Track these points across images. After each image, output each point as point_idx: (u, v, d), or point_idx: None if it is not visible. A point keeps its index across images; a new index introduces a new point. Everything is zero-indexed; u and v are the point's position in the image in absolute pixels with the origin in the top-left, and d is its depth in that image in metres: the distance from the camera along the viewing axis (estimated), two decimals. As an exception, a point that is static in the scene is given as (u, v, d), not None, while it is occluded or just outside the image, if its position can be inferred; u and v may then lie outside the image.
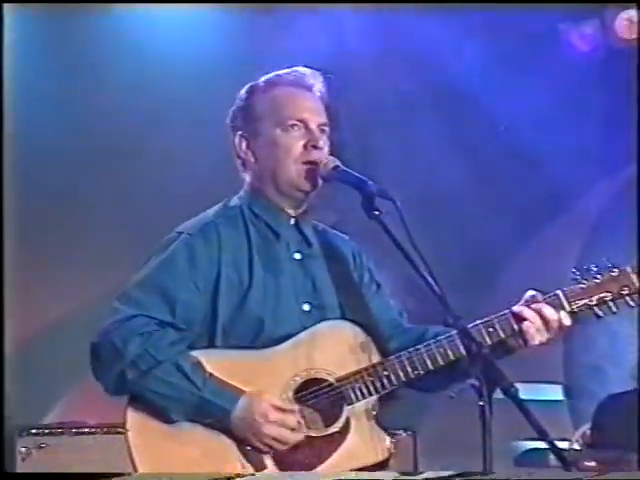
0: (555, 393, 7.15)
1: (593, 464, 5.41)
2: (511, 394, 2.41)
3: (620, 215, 6.56)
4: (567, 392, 7.18)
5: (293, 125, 2.77)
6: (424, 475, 2.40)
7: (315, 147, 2.76)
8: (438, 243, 6.47)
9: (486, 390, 2.45)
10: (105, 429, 4.92)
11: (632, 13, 6.68)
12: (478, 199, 6.66)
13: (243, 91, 2.86)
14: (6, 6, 5.18)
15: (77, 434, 5.15)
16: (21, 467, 5.08)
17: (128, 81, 6.21)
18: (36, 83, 6.17)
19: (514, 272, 6.67)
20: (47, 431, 5.21)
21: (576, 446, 5.84)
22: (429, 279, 2.53)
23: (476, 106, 6.57)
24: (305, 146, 2.76)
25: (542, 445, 5.75)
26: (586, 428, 5.95)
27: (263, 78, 2.85)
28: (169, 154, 6.13)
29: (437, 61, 6.63)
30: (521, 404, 2.41)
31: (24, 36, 6.08)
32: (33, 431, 5.15)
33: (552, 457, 5.28)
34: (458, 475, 2.38)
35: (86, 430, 5.12)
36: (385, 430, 2.70)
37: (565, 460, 2.41)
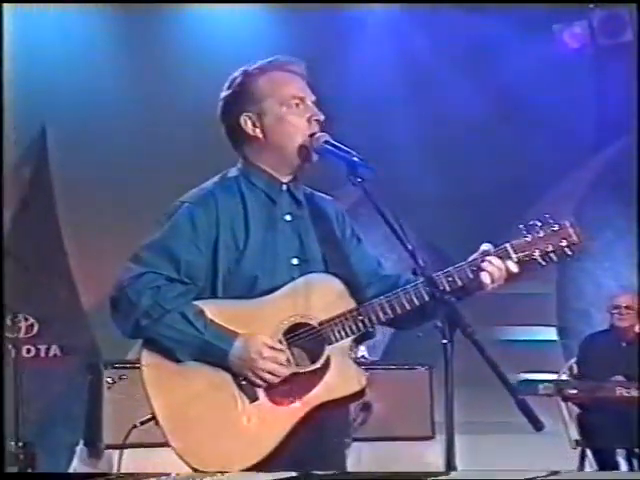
0: (550, 334, 7.02)
1: (575, 392, 5.22)
2: (468, 334, 2.25)
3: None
4: (560, 333, 7.03)
5: (296, 103, 2.57)
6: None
7: (317, 121, 2.58)
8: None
9: (448, 331, 2.29)
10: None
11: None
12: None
13: (238, 77, 2.61)
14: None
15: (151, 368, 5.09)
16: (106, 394, 5.04)
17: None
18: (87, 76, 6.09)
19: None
20: (127, 365, 5.15)
21: (563, 377, 5.65)
22: (403, 238, 2.39)
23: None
24: (309, 120, 2.57)
25: (532, 377, 5.60)
26: (572, 362, 5.77)
27: (253, 65, 2.61)
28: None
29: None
30: (476, 342, 2.25)
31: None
32: (116, 365, 5.11)
33: (541, 386, 5.13)
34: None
35: (158, 365, 5.06)
36: (360, 366, 2.56)
37: (512, 389, 2.22)
